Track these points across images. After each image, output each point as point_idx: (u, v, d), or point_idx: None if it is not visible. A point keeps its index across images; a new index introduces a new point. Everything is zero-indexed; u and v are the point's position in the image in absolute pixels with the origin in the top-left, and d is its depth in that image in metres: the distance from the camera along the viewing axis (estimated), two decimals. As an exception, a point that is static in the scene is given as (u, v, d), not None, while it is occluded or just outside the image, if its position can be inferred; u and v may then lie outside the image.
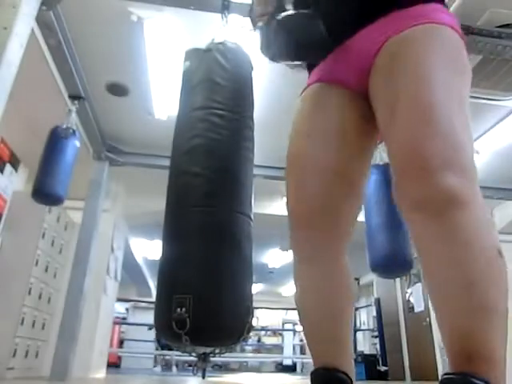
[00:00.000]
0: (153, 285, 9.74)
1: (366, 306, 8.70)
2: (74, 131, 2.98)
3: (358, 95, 0.98)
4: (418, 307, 6.06)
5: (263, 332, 11.30)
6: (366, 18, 0.94)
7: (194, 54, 1.59)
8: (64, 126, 2.95)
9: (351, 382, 0.92)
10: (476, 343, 0.68)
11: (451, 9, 2.41)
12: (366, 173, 1.05)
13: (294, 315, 11.96)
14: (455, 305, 0.72)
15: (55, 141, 2.88)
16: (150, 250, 7.56)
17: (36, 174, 2.80)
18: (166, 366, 8.36)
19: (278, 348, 10.65)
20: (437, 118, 0.79)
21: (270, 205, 4.85)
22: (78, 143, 3.01)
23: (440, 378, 0.71)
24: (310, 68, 1.12)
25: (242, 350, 10.02)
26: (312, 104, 1.03)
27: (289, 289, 11.05)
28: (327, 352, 0.96)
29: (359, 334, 8.85)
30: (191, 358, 1.32)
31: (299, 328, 10.87)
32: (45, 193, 2.78)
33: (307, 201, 0.96)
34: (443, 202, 0.73)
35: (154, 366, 8.47)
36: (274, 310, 10.76)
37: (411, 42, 0.87)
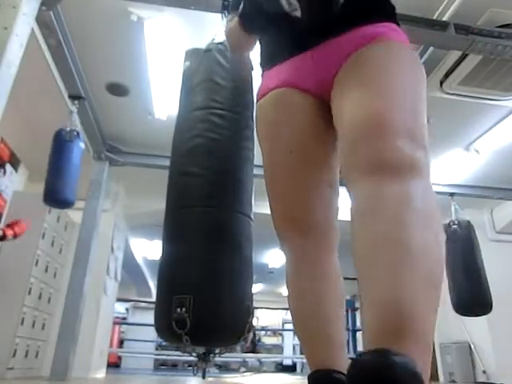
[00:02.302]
0: (153, 285, 9.74)
1: (366, 306, 8.68)
2: (78, 133, 2.99)
3: (319, 100, 1.02)
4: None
5: (263, 332, 11.30)
6: (337, 28, 0.97)
7: (194, 54, 1.59)
8: (68, 129, 2.95)
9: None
10: (411, 318, 0.59)
11: (451, 9, 2.42)
12: (337, 169, 1.08)
13: (293, 315, 11.95)
14: (396, 273, 0.63)
15: (61, 144, 2.88)
16: (149, 250, 7.56)
17: (46, 179, 2.82)
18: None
19: (278, 348, 10.66)
20: (399, 94, 0.83)
21: (270, 205, 4.82)
22: (82, 145, 3.02)
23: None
24: (263, 66, 1.15)
25: (242, 350, 10.02)
26: (283, 114, 1.04)
27: (289, 289, 11.03)
28: (323, 353, 0.96)
29: (359, 334, 8.85)
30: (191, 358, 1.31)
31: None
32: (56, 197, 2.82)
33: (296, 211, 1.00)
34: (401, 167, 0.72)
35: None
36: (274, 310, 10.76)
37: (376, 52, 0.92)
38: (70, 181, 2.84)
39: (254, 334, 10.05)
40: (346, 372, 0.86)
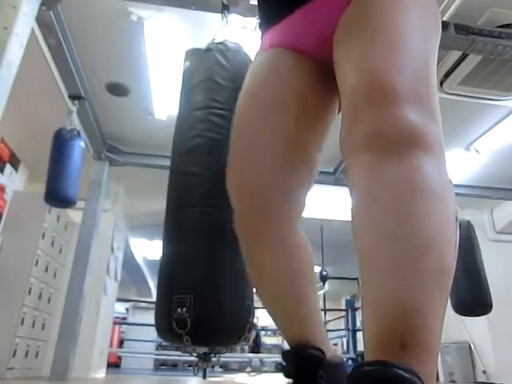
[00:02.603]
0: (153, 285, 9.74)
1: (366, 306, 8.69)
2: (78, 132, 2.99)
3: (317, 62, 0.90)
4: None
5: (263, 332, 11.28)
6: None
7: (194, 54, 1.59)
8: (68, 128, 2.95)
9: (323, 353, 0.86)
10: (418, 324, 0.51)
11: (451, 9, 2.41)
12: (320, 147, 0.96)
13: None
14: (401, 271, 0.54)
15: (61, 143, 2.88)
16: (150, 250, 7.56)
17: (47, 178, 2.81)
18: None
19: (278, 348, 10.65)
20: (407, 45, 0.69)
21: (270, 205, 4.82)
22: (83, 144, 3.02)
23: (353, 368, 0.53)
24: (262, 29, 1.03)
25: (242, 350, 10.02)
26: (268, 69, 0.93)
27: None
28: (297, 330, 0.89)
29: (359, 334, 8.85)
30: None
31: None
32: (57, 196, 2.81)
33: (257, 171, 0.86)
34: (404, 139, 0.59)
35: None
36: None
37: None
38: (72, 179, 2.83)
39: (257, 334, 10.06)
40: (320, 345, 0.87)
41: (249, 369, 9.17)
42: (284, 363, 0.90)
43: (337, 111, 0.97)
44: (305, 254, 0.93)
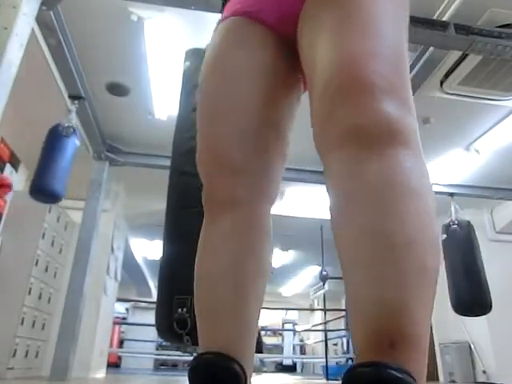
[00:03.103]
0: (153, 285, 9.74)
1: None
2: (74, 130, 2.98)
3: (281, 38, 0.85)
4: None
5: (263, 332, 11.30)
6: None
7: (194, 54, 1.59)
8: (65, 125, 2.95)
9: (245, 376, 0.69)
10: (405, 323, 0.51)
11: (451, 9, 2.41)
12: (291, 126, 0.90)
13: (293, 315, 11.98)
14: (385, 269, 0.52)
15: (54, 138, 2.86)
16: (149, 250, 7.56)
17: (34, 171, 2.75)
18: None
19: (278, 348, 10.66)
20: (382, 35, 0.65)
21: (270, 205, 4.82)
22: (77, 142, 3.00)
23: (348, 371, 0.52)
24: (224, 3, 0.96)
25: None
26: (231, 39, 0.86)
27: (289, 289, 11.05)
28: (222, 332, 0.73)
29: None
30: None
31: (299, 328, 10.89)
32: (42, 190, 2.71)
33: (227, 146, 0.80)
34: (383, 134, 0.57)
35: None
36: (274, 310, 10.76)
37: None
38: (59, 174, 2.74)
39: (259, 334, 10.06)
40: (242, 360, 0.69)
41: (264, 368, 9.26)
42: (192, 369, 0.70)
43: (302, 90, 0.93)
44: (267, 244, 0.83)
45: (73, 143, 2.94)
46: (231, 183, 0.79)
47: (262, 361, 9.62)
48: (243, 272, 0.76)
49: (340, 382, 0.51)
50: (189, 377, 0.69)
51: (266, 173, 0.83)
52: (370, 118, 0.57)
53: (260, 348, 10.02)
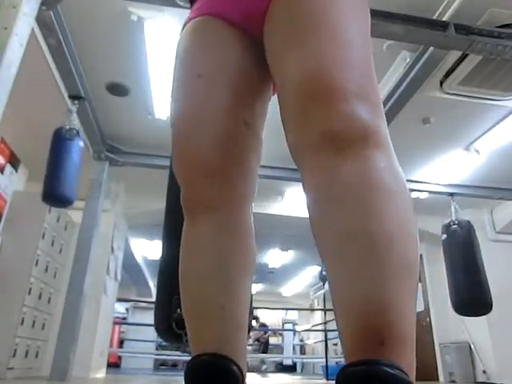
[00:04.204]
0: (153, 285, 9.75)
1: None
2: (77, 132, 2.99)
3: (247, 36, 0.85)
4: (418, 307, 6.06)
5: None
6: None
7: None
8: (67, 127, 2.95)
9: (242, 376, 0.70)
10: (392, 319, 0.52)
11: (451, 9, 2.41)
12: (263, 123, 0.91)
13: (293, 315, 11.98)
14: (369, 268, 0.54)
15: (60, 142, 2.89)
16: (149, 250, 7.56)
17: (44, 177, 2.80)
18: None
19: (278, 348, 10.66)
20: (349, 41, 0.67)
21: (270, 205, 4.84)
22: (81, 143, 3.02)
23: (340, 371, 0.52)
24: (192, 2, 0.97)
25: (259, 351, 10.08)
26: (198, 41, 0.87)
27: (289, 289, 11.06)
28: (212, 332, 0.73)
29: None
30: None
31: (299, 328, 10.89)
32: (55, 195, 2.80)
33: (202, 146, 0.80)
34: (358, 138, 0.59)
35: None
36: (274, 310, 10.76)
37: None
38: (70, 179, 2.82)
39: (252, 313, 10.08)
40: (237, 359, 0.70)
41: (264, 367, 9.29)
42: (189, 373, 0.70)
43: (272, 90, 0.93)
44: (250, 242, 0.83)
45: (77, 145, 2.95)
46: (209, 186, 0.79)
47: (263, 361, 9.63)
48: (229, 271, 0.77)
49: (339, 382, 0.52)
50: (186, 381, 0.69)
51: (243, 172, 0.83)
52: (345, 122, 0.59)
53: (266, 348, 10.02)
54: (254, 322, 10.72)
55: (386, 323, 0.52)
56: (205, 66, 0.83)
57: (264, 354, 9.97)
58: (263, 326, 10.77)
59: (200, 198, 0.80)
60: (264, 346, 10.26)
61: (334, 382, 0.51)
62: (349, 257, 0.56)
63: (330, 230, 0.59)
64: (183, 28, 0.95)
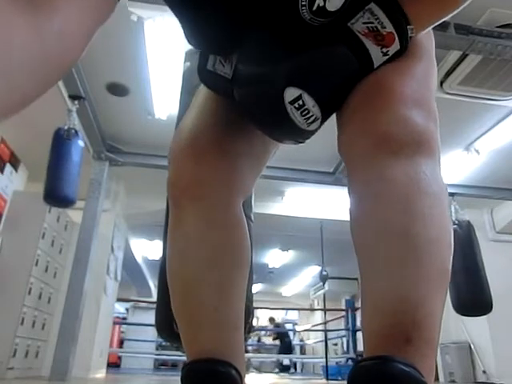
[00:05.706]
0: (153, 285, 9.75)
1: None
2: (76, 132, 2.99)
3: None
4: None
5: (263, 332, 11.30)
6: None
7: (194, 55, 1.59)
8: (66, 127, 2.95)
9: (241, 377, 0.68)
10: (421, 319, 0.53)
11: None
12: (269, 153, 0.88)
13: (294, 315, 11.98)
14: (407, 268, 0.54)
15: (60, 143, 2.89)
16: (150, 250, 7.56)
17: (45, 178, 2.81)
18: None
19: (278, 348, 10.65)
20: (410, 72, 0.70)
21: (270, 205, 4.84)
22: (81, 143, 3.02)
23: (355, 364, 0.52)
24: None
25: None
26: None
27: (289, 289, 11.05)
28: (206, 335, 0.69)
29: (359, 334, 8.85)
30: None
31: (299, 328, 10.89)
32: (57, 196, 2.81)
33: (197, 131, 0.78)
34: (412, 143, 0.61)
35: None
36: (274, 310, 10.76)
37: None
38: (70, 179, 2.83)
39: (287, 335, 10.10)
40: (235, 363, 0.67)
41: (277, 369, 9.31)
42: (187, 378, 0.66)
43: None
44: (246, 237, 0.79)
45: (77, 145, 2.95)
46: (196, 168, 0.75)
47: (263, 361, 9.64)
48: (220, 270, 0.72)
49: (340, 382, 0.52)
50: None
51: (234, 162, 0.79)
52: (401, 126, 0.61)
53: (290, 348, 9.98)
54: (267, 323, 10.73)
55: (415, 322, 0.52)
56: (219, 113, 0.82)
57: (264, 354, 9.97)
58: (277, 326, 10.71)
59: (184, 182, 0.76)
60: (285, 346, 10.02)
61: (333, 381, 0.51)
62: (388, 254, 0.56)
63: (371, 224, 0.60)
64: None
